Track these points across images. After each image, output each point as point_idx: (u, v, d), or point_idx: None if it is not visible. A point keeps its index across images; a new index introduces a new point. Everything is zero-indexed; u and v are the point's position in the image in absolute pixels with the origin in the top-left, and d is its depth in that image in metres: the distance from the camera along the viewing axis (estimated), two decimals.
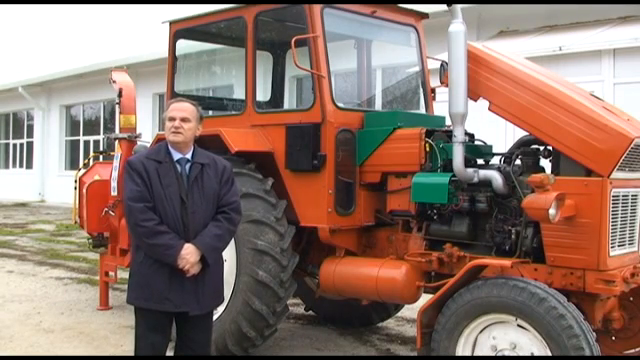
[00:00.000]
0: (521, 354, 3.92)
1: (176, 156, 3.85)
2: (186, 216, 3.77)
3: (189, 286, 3.76)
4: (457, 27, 4.56)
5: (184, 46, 6.52)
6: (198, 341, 3.92)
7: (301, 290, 6.38)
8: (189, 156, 3.88)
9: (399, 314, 6.78)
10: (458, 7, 4.58)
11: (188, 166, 3.86)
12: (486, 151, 5.17)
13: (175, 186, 3.78)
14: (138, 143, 7.28)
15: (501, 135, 9.12)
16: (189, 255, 3.70)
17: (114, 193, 7.00)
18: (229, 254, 5.01)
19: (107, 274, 7.40)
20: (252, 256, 5.10)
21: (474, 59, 4.70)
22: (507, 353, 3.97)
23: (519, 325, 3.90)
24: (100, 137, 22.64)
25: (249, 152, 5.43)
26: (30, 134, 26.67)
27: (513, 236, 4.51)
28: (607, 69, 10.40)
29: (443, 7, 4.73)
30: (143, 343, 3.84)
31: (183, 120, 3.83)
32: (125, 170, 3.84)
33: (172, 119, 3.84)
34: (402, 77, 7.47)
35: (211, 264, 3.81)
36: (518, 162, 4.75)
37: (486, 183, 4.68)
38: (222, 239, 3.88)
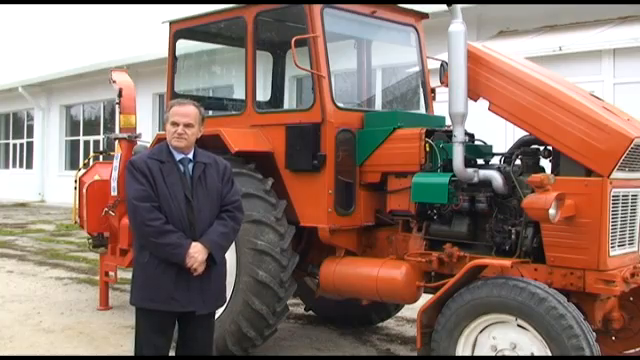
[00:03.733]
0: (521, 354, 3.92)
1: (178, 156, 3.84)
2: (192, 215, 3.76)
3: (195, 285, 3.75)
4: (457, 27, 4.56)
5: (184, 46, 6.52)
6: (200, 342, 3.92)
7: (301, 290, 6.37)
8: (191, 156, 3.88)
9: (399, 314, 6.78)
10: (458, 7, 4.58)
11: (191, 166, 3.85)
12: (486, 151, 5.17)
13: (179, 185, 3.77)
14: (138, 143, 7.28)
15: (501, 135, 9.11)
16: (197, 253, 3.69)
17: (114, 193, 7.00)
18: (229, 254, 4.96)
19: (107, 274, 7.40)
20: (252, 256, 5.10)
21: (474, 59, 4.70)
22: (507, 353, 3.97)
23: (519, 325, 3.90)
24: (100, 137, 22.61)
25: (249, 152, 5.43)
26: (30, 134, 26.65)
27: (513, 236, 4.51)
28: (607, 69, 10.39)
29: (443, 7, 4.73)
30: (145, 345, 3.82)
31: (186, 126, 3.80)
32: (127, 170, 3.81)
33: (175, 124, 3.80)
34: (402, 77, 7.45)
35: (217, 262, 3.80)
36: (518, 162, 4.75)
37: (486, 183, 4.68)
38: (228, 237, 3.88)
